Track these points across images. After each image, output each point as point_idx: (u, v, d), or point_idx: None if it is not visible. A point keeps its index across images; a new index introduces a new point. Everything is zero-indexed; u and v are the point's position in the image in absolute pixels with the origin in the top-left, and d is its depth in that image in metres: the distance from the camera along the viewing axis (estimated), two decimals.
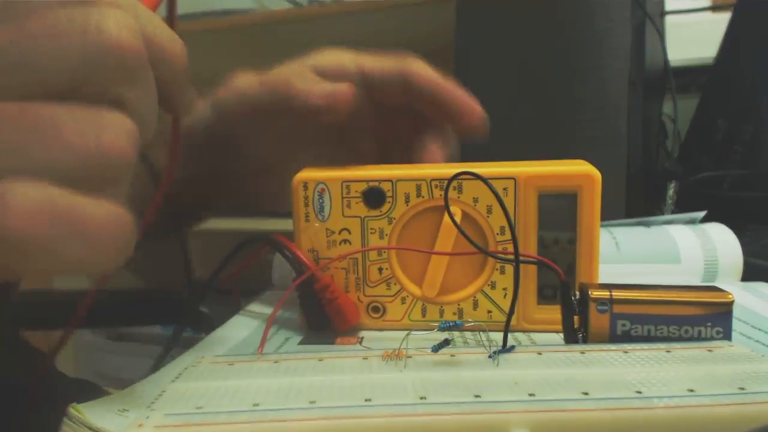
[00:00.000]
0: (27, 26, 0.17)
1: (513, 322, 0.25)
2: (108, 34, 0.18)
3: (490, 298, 0.28)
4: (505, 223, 0.27)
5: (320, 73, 0.32)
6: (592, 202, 0.27)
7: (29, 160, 0.17)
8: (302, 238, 0.29)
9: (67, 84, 0.18)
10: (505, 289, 0.28)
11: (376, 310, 0.29)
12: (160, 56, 0.20)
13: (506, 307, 0.26)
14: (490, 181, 0.24)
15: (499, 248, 0.27)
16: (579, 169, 0.27)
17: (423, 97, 0.32)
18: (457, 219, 0.27)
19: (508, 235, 0.27)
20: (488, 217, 0.27)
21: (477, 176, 0.25)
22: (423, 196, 0.28)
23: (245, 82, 0.34)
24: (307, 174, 0.29)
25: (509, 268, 0.28)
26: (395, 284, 0.29)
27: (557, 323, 0.25)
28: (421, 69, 0.32)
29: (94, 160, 0.18)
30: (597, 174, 0.27)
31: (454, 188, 0.27)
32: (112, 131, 0.18)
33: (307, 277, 0.28)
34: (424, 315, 0.29)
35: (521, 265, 0.25)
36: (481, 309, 0.28)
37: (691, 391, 0.18)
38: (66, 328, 0.26)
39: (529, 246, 0.27)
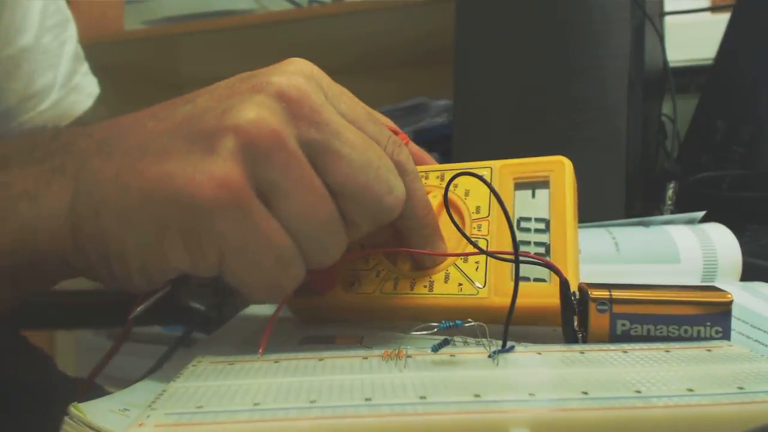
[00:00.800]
0: (374, 169, 0.23)
1: (484, 295, 0.27)
2: (399, 201, 0.24)
3: (462, 271, 0.28)
4: (479, 203, 0.30)
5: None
6: (563, 187, 0.28)
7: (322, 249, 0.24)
8: None
9: (356, 211, 0.24)
10: (477, 262, 0.28)
11: (351, 283, 0.30)
12: (412, 212, 0.26)
13: (477, 279, 0.27)
14: (470, 170, 0.26)
15: (474, 225, 0.30)
16: (550, 158, 0.30)
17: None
18: (439, 200, 0.30)
19: (482, 214, 0.30)
20: (465, 198, 0.31)
21: (476, 176, 0.26)
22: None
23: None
24: None
25: (482, 245, 0.28)
26: (373, 258, 0.30)
27: (528, 296, 0.25)
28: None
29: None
30: (567, 161, 0.29)
31: (438, 177, 0.32)
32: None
33: None
34: (395, 287, 0.29)
35: (493, 246, 0.28)
36: (452, 282, 0.28)
37: (690, 390, 0.18)
38: (112, 347, 0.27)
39: (505, 230, 0.27)
